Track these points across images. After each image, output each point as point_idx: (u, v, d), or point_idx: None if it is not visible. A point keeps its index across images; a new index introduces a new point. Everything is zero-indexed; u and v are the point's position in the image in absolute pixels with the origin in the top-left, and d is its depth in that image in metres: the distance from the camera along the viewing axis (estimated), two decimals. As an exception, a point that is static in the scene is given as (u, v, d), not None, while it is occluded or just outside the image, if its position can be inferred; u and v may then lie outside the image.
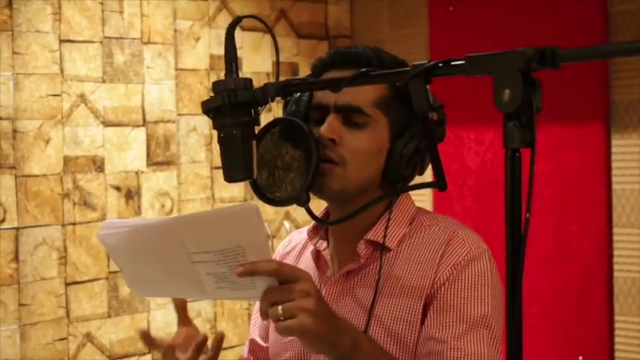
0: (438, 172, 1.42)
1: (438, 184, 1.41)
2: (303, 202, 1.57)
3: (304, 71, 4.08)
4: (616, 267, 3.45)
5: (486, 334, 1.52)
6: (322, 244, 1.73)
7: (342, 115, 1.61)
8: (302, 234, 1.83)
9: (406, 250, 1.63)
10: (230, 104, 1.42)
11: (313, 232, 1.75)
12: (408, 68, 1.29)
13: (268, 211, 3.99)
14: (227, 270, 1.37)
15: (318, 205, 1.65)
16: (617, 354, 3.46)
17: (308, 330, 1.35)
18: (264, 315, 1.38)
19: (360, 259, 1.64)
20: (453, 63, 1.22)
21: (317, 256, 1.74)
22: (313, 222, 1.74)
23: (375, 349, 1.49)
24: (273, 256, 1.87)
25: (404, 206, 1.68)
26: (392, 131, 1.62)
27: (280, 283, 1.37)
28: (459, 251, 1.58)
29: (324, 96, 1.63)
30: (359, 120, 1.60)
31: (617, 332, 3.46)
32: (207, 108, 1.46)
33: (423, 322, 1.56)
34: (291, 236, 1.90)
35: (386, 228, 1.62)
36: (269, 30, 1.53)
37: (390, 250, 1.64)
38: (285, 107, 1.69)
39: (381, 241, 1.62)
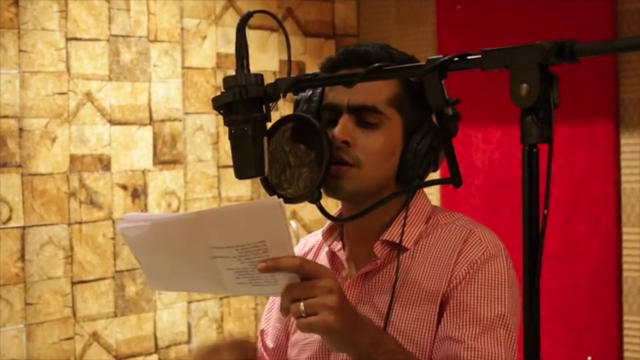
0: (453, 168, 1.40)
1: (453, 180, 1.39)
2: (315, 199, 1.55)
3: (311, 70, 4.07)
4: (625, 266, 3.44)
5: (503, 333, 1.50)
6: (337, 245, 1.71)
7: (355, 116, 1.59)
8: (317, 236, 1.81)
9: (423, 249, 1.61)
10: (241, 100, 1.41)
11: (328, 234, 1.73)
12: (421, 63, 1.27)
13: (275, 210, 3.97)
14: (248, 266, 1.36)
15: (327, 204, 1.63)
16: (626, 354, 3.44)
17: (330, 327, 1.34)
18: (285, 311, 1.37)
19: (377, 260, 1.62)
20: (469, 57, 1.20)
21: (332, 256, 1.72)
22: (328, 223, 1.73)
23: (395, 348, 1.48)
24: None
25: (420, 205, 1.66)
26: (405, 129, 1.60)
27: (302, 280, 1.35)
28: (475, 250, 1.56)
29: (335, 96, 1.61)
30: (373, 120, 1.59)
31: (626, 332, 3.44)
32: (218, 104, 1.44)
33: (438, 322, 1.55)
34: (307, 238, 1.89)
35: (403, 226, 1.60)
36: (280, 24, 1.51)
37: (407, 249, 1.62)
38: (295, 107, 1.67)
39: (398, 241, 1.61)
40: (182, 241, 1.42)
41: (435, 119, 1.57)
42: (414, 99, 1.60)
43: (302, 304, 1.33)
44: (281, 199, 1.31)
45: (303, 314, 1.33)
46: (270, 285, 1.37)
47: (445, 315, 1.53)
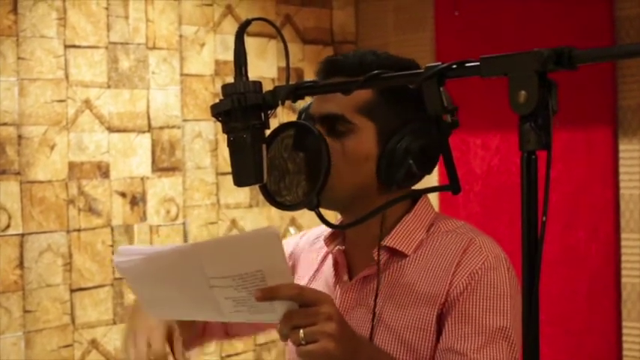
0: (451, 174, 1.40)
1: (452, 187, 1.39)
2: (314, 206, 1.55)
3: (309, 77, 4.07)
4: (624, 272, 3.44)
5: (505, 346, 1.51)
6: (339, 250, 1.72)
7: (326, 125, 1.60)
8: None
9: (422, 256, 1.62)
10: (240, 108, 1.40)
11: (330, 239, 1.75)
12: (419, 70, 1.27)
13: (274, 216, 3.97)
14: (246, 294, 1.36)
15: (326, 211, 1.64)
16: (625, 360, 3.45)
17: (330, 354, 1.34)
18: (284, 337, 1.37)
19: (376, 264, 1.63)
20: (467, 64, 1.20)
21: (335, 261, 1.74)
22: (336, 229, 1.74)
23: None
24: (294, 242, 1.88)
25: (422, 211, 1.66)
26: (380, 135, 1.59)
27: (300, 306, 1.35)
28: (475, 259, 1.56)
29: (313, 107, 1.64)
30: (342, 128, 1.59)
31: (625, 338, 3.44)
32: (217, 111, 1.43)
33: (437, 331, 1.55)
34: (319, 234, 1.88)
35: (381, 231, 1.61)
36: (278, 32, 1.51)
37: (407, 256, 1.62)
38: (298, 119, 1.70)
39: (398, 248, 1.62)
40: (178, 272, 1.42)
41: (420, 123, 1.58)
42: (390, 104, 1.60)
43: (302, 331, 1.33)
44: (277, 228, 1.32)
45: (303, 342, 1.34)
46: (268, 312, 1.37)
47: (447, 325, 1.54)
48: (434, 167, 1.61)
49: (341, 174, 1.58)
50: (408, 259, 1.62)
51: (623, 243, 3.44)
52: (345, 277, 1.70)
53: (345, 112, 1.59)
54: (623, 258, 3.44)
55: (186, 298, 1.47)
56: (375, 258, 1.62)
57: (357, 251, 1.70)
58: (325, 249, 1.81)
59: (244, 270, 1.34)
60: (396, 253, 1.63)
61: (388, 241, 1.63)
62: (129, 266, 1.49)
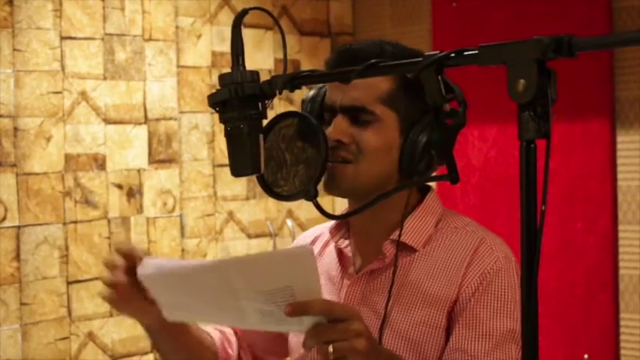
0: (450, 164, 1.39)
1: (450, 176, 1.39)
2: (311, 197, 1.54)
3: (306, 68, 4.06)
4: (621, 264, 3.43)
5: (514, 349, 1.52)
6: (344, 242, 1.71)
7: (348, 115, 1.59)
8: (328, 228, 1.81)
9: (432, 252, 1.61)
10: (237, 97, 1.39)
11: (335, 230, 1.74)
12: (418, 59, 1.26)
13: (271, 208, 3.96)
14: (274, 308, 1.36)
15: (323, 201, 1.62)
16: (622, 352, 3.45)
17: None
18: (309, 349, 1.37)
19: (385, 258, 1.62)
20: (465, 53, 1.19)
21: (339, 253, 1.73)
22: (335, 220, 1.73)
23: None
24: (296, 243, 1.88)
25: (430, 206, 1.66)
26: (402, 125, 1.59)
27: (329, 321, 1.35)
28: (486, 260, 1.56)
29: (331, 96, 1.62)
30: (365, 118, 1.59)
31: (622, 330, 3.44)
32: (214, 101, 1.43)
33: (446, 330, 1.55)
34: (317, 228, 1.88)
35: (402, 224, 1.59)
36: (275, 21, 1.51)
37: (416, 251, 1.62)
38: (301, 108, 1.68)
39: (408, 242, 1.61)
40: (203, 285, 1.42)
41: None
42: (411, 94, 1.59)
43: (331, 347, 1.33)
44: (312, 247, 1.31)
45: (331, 357, 1.34)
46: (295, 324, 1.38)
47: (457, 327, 1.54)
48: None
49: (366, 162, 1.57)
50: (417, 254, 1.62)
51: (620, 235, 3.44)
52: (351, 270, 1.69)
53: (367, 103, 1.58)
54: (621, 250, 3.43)
55: (210, 307, 1.47)
56: (385, 252, 1.62)
57: (364, 243, 1.68)
58: (325, 241, 1.80)
59: (274, 286, 1.34)
60: (405, 248, 1.62)
61: (396, 236, 1.61)
62: (152, 277, 1.49)
